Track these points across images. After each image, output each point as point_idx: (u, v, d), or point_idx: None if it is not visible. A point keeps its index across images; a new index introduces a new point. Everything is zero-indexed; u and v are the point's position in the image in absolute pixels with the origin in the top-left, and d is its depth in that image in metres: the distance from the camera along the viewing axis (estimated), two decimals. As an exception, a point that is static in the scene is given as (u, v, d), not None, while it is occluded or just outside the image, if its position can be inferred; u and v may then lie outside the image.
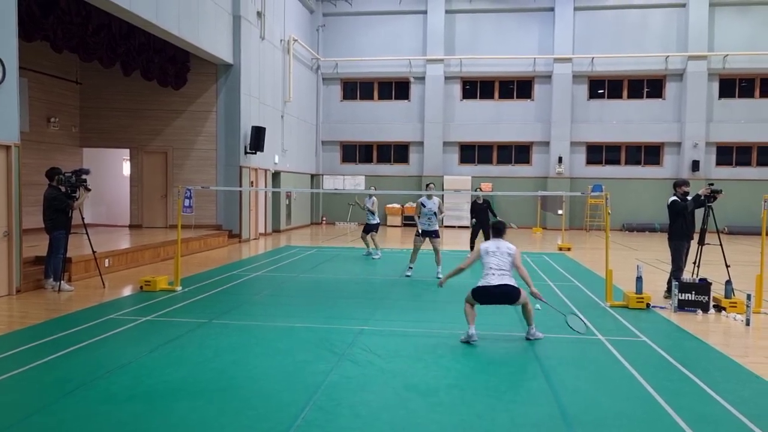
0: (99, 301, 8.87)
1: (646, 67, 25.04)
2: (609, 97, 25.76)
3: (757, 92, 24.79)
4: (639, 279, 9.02)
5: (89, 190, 9.64)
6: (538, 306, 8.76)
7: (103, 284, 10.03)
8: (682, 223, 9.44)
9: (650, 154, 25.62)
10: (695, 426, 4.44)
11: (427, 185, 12.66)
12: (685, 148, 24.72)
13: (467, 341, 6.68)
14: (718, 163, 25.05)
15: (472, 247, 14.66)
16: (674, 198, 9.55)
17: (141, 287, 9.69)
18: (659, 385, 5.35)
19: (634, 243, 19.68)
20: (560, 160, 25.39)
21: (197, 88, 17.46)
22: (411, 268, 11.83)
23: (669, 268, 10.06)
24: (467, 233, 16.33)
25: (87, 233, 9.91)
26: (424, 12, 25.99)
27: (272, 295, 9.80)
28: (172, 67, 16.41)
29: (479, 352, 6.45)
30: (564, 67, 25.28)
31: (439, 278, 11.59)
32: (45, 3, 11.41)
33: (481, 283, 6.78)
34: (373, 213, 14.51)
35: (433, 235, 11.78)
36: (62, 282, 9.48)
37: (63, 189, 9.44)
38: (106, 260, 11.25)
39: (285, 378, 5.44)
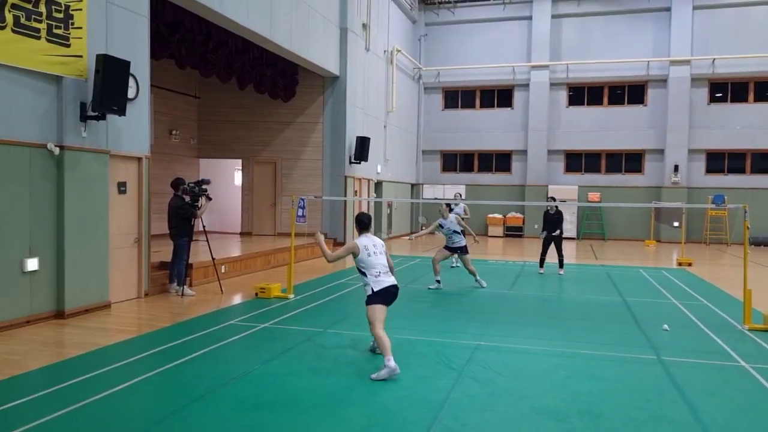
0: (218, 307, 9.21)
1: (776, 68, 23.03)
2: (732, 101, 23.91)
3: None
4: (783, 300, 8.18)
5: (210, 199, 10.05)
6: (665, 327, 8.17)
7: (221, 290, 10.42)
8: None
9: (780, 161, 23.51)
10: None
11: (444, 205, 11.51)
12: (822, 155, 22.47)
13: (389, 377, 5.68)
14: None
15: (542, 262, 13.84)
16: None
17: (256, 294, 9.97)
18: (826, 424, 4.74)
19: (763, 258, 18.08)
20: (676, 168, 23.83)
21: (305, 100, 17.93)
22: (438, 281, 11.35)
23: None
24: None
25: (208, 241, 10.34)
26: (529, 18, 25.36)
27: (382, 306, 9.75)
28: (282, 80, 16.96)
29: (607, 374, 6.03)
30: (681, 69, 23.75)
31: (483, 287, 11.15)
32: (171, 23, 12.11)
33: (376, 286, 6.08)
34: (456, 232, 11.37)
35: (459, 251, 11.37)
36: (185, 287, 9.94)
37: (186, 198, 9.89)
38: (222, 266, 11.70)
39: (406, 394, 5.32)
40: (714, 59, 23.51)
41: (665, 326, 8.21)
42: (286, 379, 5.64)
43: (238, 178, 19.25)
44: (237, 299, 9.88)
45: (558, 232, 13.40)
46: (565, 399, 5.25)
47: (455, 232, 11.28)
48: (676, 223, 22.94)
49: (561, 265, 13.74)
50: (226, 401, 5.02)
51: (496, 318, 8.77)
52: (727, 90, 24.00)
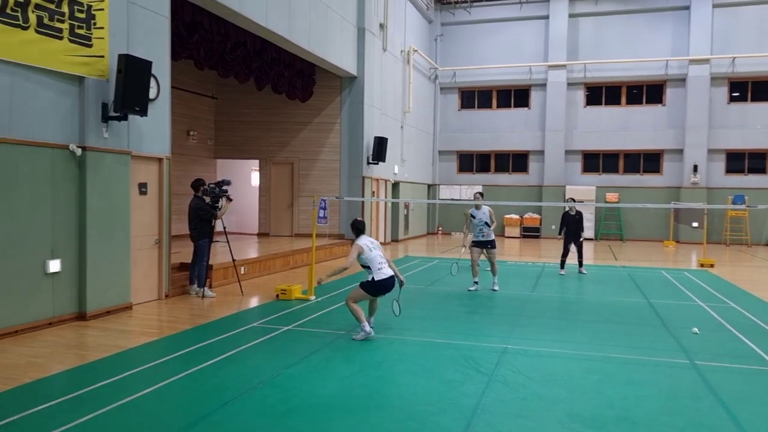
0: (239, 309, 9.15)
1: (798, 66, 22.66)
2: (752, 100, 23.55)
3: None
4: (817, 303, 7.97)
5: (231, 200, 10.00)
6: (695, 330, 7.99)
7: (242, 291, 10.36)
8: None
9: (802, 161, 23.11)
10: None
11: (475, 195, 11.61)
12: None
13: (365, 338, 7.13)
14: None
15: (563, 263, 13.65)
16: None
17: (277, 295, 9.90)
18: None
19: (787, 260, 17.75)
20: (695, 168, 23.51)
21: (322, 100, 17.88)
22: (476, 282, 11.19)
23: None
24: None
25: (228, 242, 10.29)
26: (546, 17, 25.14)
27: (404, 308, 9.57)
28: (299, 80, 16.91)
29: (641, 379, 5.88)
30: (701, 68, 23.43)
31: (495, 290, 11.00)
32: (190, 23, 12.09)
33: (378, 276, 7.15)
34: (487, 224, 11.12)
35: (489, 245, 11.18)
36: (205, 288, 9.89)
37: (207, 199, 9.85)
38: (242, 268, 11.65)
39: (436, 399, 5.21)
40: (734, 58, 23.18)
41: (695, 329, 8.03)
42: (314, 383, 5.55)
43: (255, 179, 19.23)
44: (258, 301, 9.81)
45: (581, 235, 13.38)
46: (600, 405, 5.11)
47: (486, 224, 11.03)
48: (695, 224, 22.62)
49: (581, 264, 13.66)
50: (255, 406, 4.94)
51: (521, 321, 8.63)
52: (747, 89, 23.64)
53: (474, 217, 11.09)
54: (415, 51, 22.86)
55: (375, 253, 7.23)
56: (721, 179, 23.69)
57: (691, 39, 23.53)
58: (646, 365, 6.39)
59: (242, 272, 11.59)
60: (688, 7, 23.62)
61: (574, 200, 13.88)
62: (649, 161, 24.74)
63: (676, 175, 24.15)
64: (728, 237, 23.06)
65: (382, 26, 19.18)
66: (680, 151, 23.96)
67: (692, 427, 4.69)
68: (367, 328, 7.15)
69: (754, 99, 23.52)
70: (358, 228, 7.57)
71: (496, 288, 11.15)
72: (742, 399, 5.34)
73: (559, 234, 13.79)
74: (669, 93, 24.30)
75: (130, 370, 5.87)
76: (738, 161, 23.76)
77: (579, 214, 13.46)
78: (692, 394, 5.49)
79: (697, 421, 4.81)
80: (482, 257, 11.40)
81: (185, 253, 10.82)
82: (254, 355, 6.54)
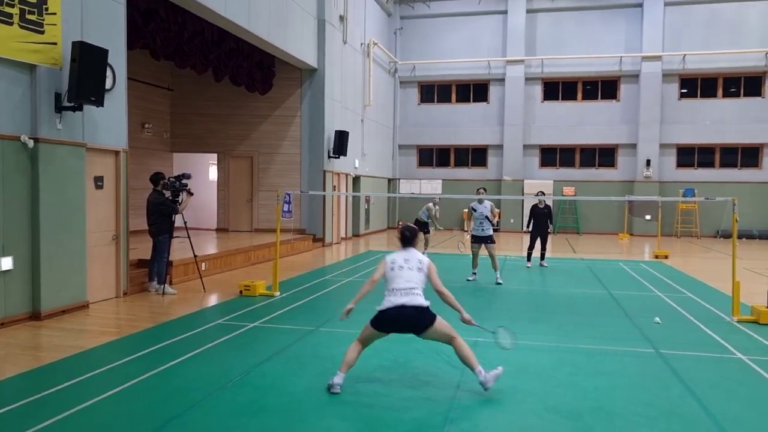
0: (202, 306, 8.89)
1: (744, 64, 23.45)
2: (702, 96, 24.32)
3: None
4: (772, 292, 8.26)
5: (192, 194, 9.71)
6: (657, 320, 8.16)
7: (204, 288, 10.08)
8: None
9: (748, 156, 23.99)
10: None
11: (478, 190, 11.85)
12: (788, 150, 23.03)
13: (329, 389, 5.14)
14: (825, 165, 23.21)
15: (529, 256, 13.91)
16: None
17: (240, 292, 9.67)
18: (836, 417, 4.73)
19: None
20: (648, 163, 24.16)
21: (282, 93, 17.58)
22: (474, 273, 11.56)
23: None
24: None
25: (189, 237, 9.99)
26: (504, 12, 25.37)
27: (371, 303, 9.53)
28: (259, 72, 16.58)
29: (610, 369, 5.95)
30: (653, 65, 24.06)
31: (499, 284, 11.13)
32: (146, 11, 11.67)
33: (384, 305, 5.17)
34: (487, 219, 11.81)
35: (488, 240, 11.41)
36: (166, 285, 9.58)
37: (167, 194, 9.53)
38: (203, 264, 11.34)
39: (411, 394, 5.15)
40: (684, 55, 23.88)
41: (657, 319, 8.21)
42: (285, 381, 5.41)
43: (213, 173, 18.80)
44: (220, 298, 9.56)
45: (550, 227, 13.67)
46: (575, 396, 5.14)
47: (487, 218, 11.37)
48: (648, 217, 23.26)
49: (543, 257, 13.86)
50: (226, 406, 4.78)
51: (489, 313, 8.66)
52: (696, 86, 24.40)
53: (475, 211, 11.41)
54: (375, 44, 22.74)
55: (400, 273, 5.22)
56: (672, 173, 24.40)
57: (643, 36, 24.12)
58: (614, 355, 6.48)
59: (203, 268, 11.30)
60: (641, 5, 24.19)
61: (543, 194, 14.09)
62: (604, 156, 25.29)
63: (629, 169, 24.77)
64: (679, 229, 23.80)
65: (342, 18, 18.98)
66: (634, 146, 24.56)
67: (665, 416, 4.75)
68: (336, 379, 5.12)
69: (704, 95, 24.29)
70: (403, 236, 5.50)
71: (500, 281, 11.25)
72: (709, 387, 5.46)
73: (527, 227, 13.99)
74: (623, 89, 24.87)
75: (90, 371, 5.61)
76: (688, 156, 24.53)
77: (548, 208, 13.69)
78: (661, 383, 5.58)
79: (669, 410, 4.88)
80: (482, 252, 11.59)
81: (143, 249, 10.47)
82: (221, 353, 6.34)
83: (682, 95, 24.47)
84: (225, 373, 5.57)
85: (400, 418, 4.60)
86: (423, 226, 15.11)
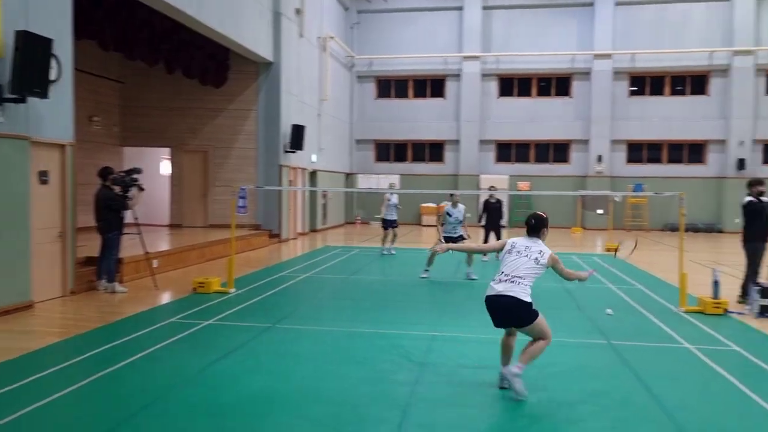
0: (154, 304, 8.67)
1: (689, 63, 24.31)
2: (650, 94, 25.07)
3: (806, 88, 23.95)
4: (716, 283, 8.57)
5: (143, 189, 9.44)
6: (609, 311, 8.36)
7: (156, 286, 9.82)
8: (760, 224, 8.94)
9: (693, 152, 24.88)
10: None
11: (451, 194, 11.96)
12: (731, 146, 23.94)
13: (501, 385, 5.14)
14: (765, 161, 24.23)
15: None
16: (750, 198, 9.04)
17: (194, 289, 9.47)
18: (776, 402, 4.93)
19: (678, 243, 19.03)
20: (600, 158, 24.78)
21: (238, 86, 17.27)
22: (427, 271, 11.51)
23: (729, 270, 9.58)
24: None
25: (141, 234, 9.70)
26: (460, 8, 25.55)
27: (329, 298, 9.53)
28: (213, 65, 16.24)
29: (565, 361, 6.06)
30: (604, 63, 24.65)
31: (473, 279, 11.17)
32: (94, 0, 11.27)
33: (487, 291, 5.09)
34: (460, 222, 12.16)
35: (458, 240, 11.53)
36: (116, 284, 9.30)
37: (116, 189, 9.24)
38: (154, 261, 11.05)
39: (370, 390, 5.13)
40: (634, 54, 24.54)
41: (608, 310, 8.37)
42: (242, 379, 5.31)
43: (165, 168, 18.35)
44: (173, 295, 9.34)
45: (502, 221, 13.87)
46: (530, 388, 5.19)
47: (459, 221, 11.52)
48: (600, 211, 23.86)
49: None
50: (180, 406, 4.66)
51: (448, 307, 8.72)
52: (645, 84, 25.13)
53: (450, 215, 11.50)
54: (332, 38, 22.57)
55: (513, 259, 5.02)
56: (622, 168, 25.09)
57: (595, 35, 24.68)
58: (568, 347, 6.60)
59: (155, 266, 10.99)
60: (592, 4, 24.73)
61: (495, 188, 14.29)
62: (558, 151, 25.81)
63: (582, 164, 25.34)
64: (629, 223, 24.49)
65: (298, 11, 18.76)
66: (586, 142, 25.13)
67: (618, 405, 4.87)
68: (510, 370, 4.96)
69: (652, 93, 25.05)
70: (528, 225, 5.26)
71: (474, 276, 11.24)
72: (658, 376, 5.62)
73: (479, 221, 14.16)
74: (575, 86, 25.40)
75: (36, 373, 5.38)
76: (638, 151, 25.26)
77: (499, 202, 13.89)
78: (613, 373, 5.72)
79: (622, 399, 5.00)
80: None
81: (91, 246, 10.12)
82: (174, 352, 6.19)
83: (632, 93, 25.16)
84: (178, 373, 5.44)
85: (358, 414, 4.57)
86: (392, 223, 15.03)
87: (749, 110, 23.74)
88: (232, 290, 9.49)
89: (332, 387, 5.17)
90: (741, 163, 23.69)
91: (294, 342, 6.62)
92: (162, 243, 13.22)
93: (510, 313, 4.93)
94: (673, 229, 23.61)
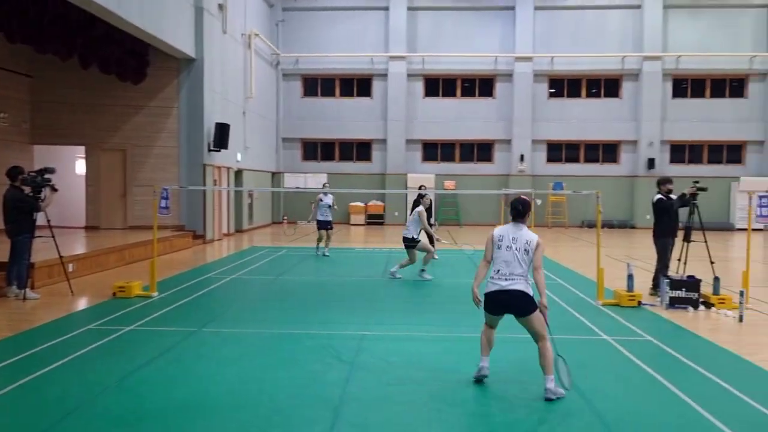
0: (70, 310, 8.25)
1: (604, 67, 25.55)
2: (568, 96, 26.15)
3: (708, 92, 25.67)
4: (630, 277, 9.02)
5: (56, 190, 8.94)
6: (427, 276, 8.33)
7: (71, 291, 9.33)
8: (668, 220, 9.51)
9: (608, 152, 26.16)
10: None
11: (420, 186, 12.40)
12: (641, 147, 25.34)
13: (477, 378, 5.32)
14: (672, 161, 25.80)
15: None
16: (659, 196, 9.59)
17: (114, 293, 9.07)
18: (685, 388, 5.24)
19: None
20: (522, 158, 25.62)
21: (158, 83, 16.67)
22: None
23: (641, 264, 10.14)
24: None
25: (54, 236, 9.19)
26: (386, 8, 25.72)
27: (257, 300, 9.38)
28: (131, 60, 15.58)
29: (492, 355, 6.19)
30: (525, 65, 25.49)
31: (427, 278, 11.20)
32: (-1, -12, 10.60)
33: (488, 288, 5.18)
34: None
35: (414, 241, 11.36)
36: (27, 289, 8.77)
37: (27, 190, 8.72)
38: (70, 265, 10.50)
39: (300, 392, 5.08)
40: (553, 57, 25.50)
41: (427, 275, 8.55)
42: (167, 386, 5.14)
43: (80, 167, 17.48)
44: (91, 301, 8.90)
45: (432, 219, 14.12)
46: (460, 383, 5.32)
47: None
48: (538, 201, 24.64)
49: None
50: (101, 417, 4.45)
51: (376, 306, 8.77)
52: (564, 86, 26.18)
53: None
54: (257, 35, 22.19)
55: (505, 255, 5.09)
56: (543, 167, 26.04)
57: (516, 38, 25.48)
58: (496, 342, 6.76)
59: (70, 270, 10.44)
60: (513, 8, 25.51)
61: (425, 187, 14.50)
62: (482, 151, 26.47)
63: (505, 163, 26.10)
64: (550, 220, 25.45)
65: (221, 7, 18.32)
66: (509, 142, 25.91)
67: (540, 396, 5.03)
68: (483, 363, 5.29)
69: (570, 95, 26.12)
70: (514, 209, 5.24)
71: (429, 277, 11.12)
72: (581, 367, 5.81)
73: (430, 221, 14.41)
74: (498, 87, 26.12)
75: (-62, 389, 5.01)
76: (557, 151, 26.29)
77: (429, 201, 14.03)
78: (537, 366, 5.90)
79: (541, 392, 5.17)
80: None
81: (0, 250, 9.51)
82: (94, 360, 5.90)
83: (551, 95, 26.15)
84: (99, 381, 5.19)
85: (288, 417, 4.52)
86: (327, 224, 14.49)
87: (657, 113, 25.19)
88: (155, 294, 9.16)
89: (261, 390, 5.09)
90: (651, 163, 25.12)
91: (220, 346, 6.46)
92: (78, 246, 12.60)
93: (516, 301, 5.07)
94: (591, 225, 24.74)
